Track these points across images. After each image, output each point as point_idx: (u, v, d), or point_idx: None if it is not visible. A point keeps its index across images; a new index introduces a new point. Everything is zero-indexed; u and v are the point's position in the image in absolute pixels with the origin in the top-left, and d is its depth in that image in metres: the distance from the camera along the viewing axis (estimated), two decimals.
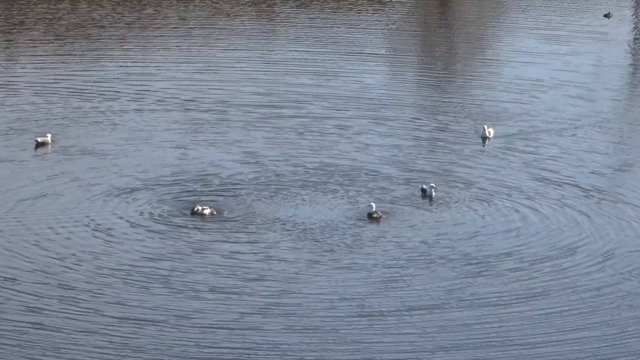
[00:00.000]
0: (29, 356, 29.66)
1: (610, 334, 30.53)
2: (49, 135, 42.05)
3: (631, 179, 41.42)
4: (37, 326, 30.93)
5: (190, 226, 37.71)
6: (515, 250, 36.57)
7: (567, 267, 35.28)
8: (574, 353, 29.45)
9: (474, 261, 35.73)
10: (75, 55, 52.87)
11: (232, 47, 55.09)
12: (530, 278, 34.47)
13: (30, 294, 32.88)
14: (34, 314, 31.75)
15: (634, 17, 58.19)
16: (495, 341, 30.73)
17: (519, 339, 30.73)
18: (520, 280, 34.57)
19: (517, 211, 39.03)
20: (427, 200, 39.06)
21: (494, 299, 33.42)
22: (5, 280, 33.91)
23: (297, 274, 35.11)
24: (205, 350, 29.78)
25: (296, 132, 44.84)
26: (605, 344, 29.95)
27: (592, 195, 39.99)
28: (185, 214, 38.34)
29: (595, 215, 38.55)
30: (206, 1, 60.72)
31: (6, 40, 55.82)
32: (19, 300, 32.81)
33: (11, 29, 56.45)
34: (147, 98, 47.72)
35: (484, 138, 42.47)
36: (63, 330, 30.96)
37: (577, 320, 31.61)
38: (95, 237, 37.44)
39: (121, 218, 38.25)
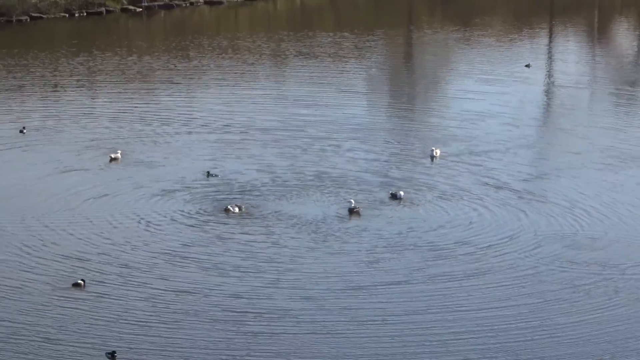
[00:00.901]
0: (96, 313, 28.58)
1: (538, 301, 29.75)
2: (119, 152, 40.71)
3: (551, 184, 40.13)
4: (102, 295, 29.89)
5: (220, 220, 36.06)
6: (468, 239, 34.96)
7: (507, 252, 33.73)
8: (510, 315, 28.66)
9: (435, 247, 34.28)
10: (139, 92, 51.56)
11: (254, 87, 53.72)
12: (478, 260, 33.10)
13: (95, 271, 31.52)
14: (99, 285, 30.63)
15: (547, 66, 55.52)
16: (450, 307, 29.75)
17: (468, 305, 29.71)
18: (471, 262, 33.06)
19: (467, 209, 37.47)
20: (396, 201, 37.40)
21: (451, 276, 32.08)
22: (75, 260, 32.43)
23: (298, 256, 33.56)
24: (229, 313, 29.01)
25: (300, 149, 43.30)
26: (533, 309, 29.14)
27: (523, 197, 38.65)
28: (218, 210, 36.82)
29: (527, 211, 37.14)
30: (236, 54, 57.52)
31: (88, 82, 51.93)
32: (87, 276, 31.22)
33: (92, 74, 53.65)
34: (191, 124, 46.54)
35: (432, 157, 41.16)
36: (122, 298, 29.83)
37: (514, 290, 30.63)
38: (147, 227, 35.85)
39: (168, 213, 36.61)
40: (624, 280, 31.41)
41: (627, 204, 37.71)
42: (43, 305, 29.36)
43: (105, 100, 49.89)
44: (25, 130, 43.85)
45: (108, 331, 27.35)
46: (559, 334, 27.40)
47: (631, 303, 29.68)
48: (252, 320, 28.61)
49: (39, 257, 32.80)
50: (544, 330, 27.83)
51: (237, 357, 26.28)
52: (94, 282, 30.56)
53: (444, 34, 65.33)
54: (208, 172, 39.32)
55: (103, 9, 63.32)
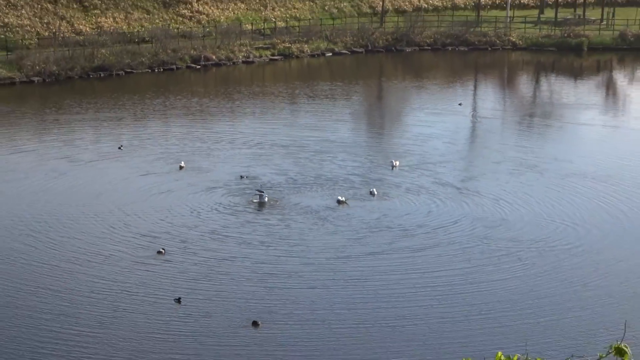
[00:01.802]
0: (168, 272, 28.07)
1: (469, 265, 28.98)
2: (183, 162, 39.37)
3: (480, 184, 38.51)
4: (170, 260, 29.16)
5: (249, 210, 34.62)
6: (425, 222, 33.64)
7: (452, 232, 32.50)
8: (451, 274, 28.14)
9: (402, 228, 32.91)
10: (197, 122, 51.06)
11: (275, 118, 52.70)
12: (432, 237, 32.01)
13: (165, 244, 30.22)
14: (169, 254, 29.47)
15: (473, 104, 54.36)
16: (411, 269, 29.16)
17: (424, 268, 28.92)
18: (427, 238, 31.94)
19: (424, 201, 36.00)
20: (373, 197, 35.94)
21: (412, 248, 31.01)
22: (150, 237, 31.27)
23: (303, 234, 32.34)
24: (255, 274, 28.28)
25: (306, 159, 41.71)
26: (467, 271, 28.49)
27: (463, 193, 37.33)
28: (250, 202, 35.28)
29: (466, 203, 35.69)
30: (263, 97, 56.55)
31: (164, 115, 51.76)
32: (149, 248, 30.26)
33: (166, 110, 54.35)
34: (232, 143, 45.07)
35: (392, 166, 39.61)
36: (183, 263, 28.94)
37: (454, 258, 29.66)
38: (199, 213, 34.40)
39: (212, 204, 35.07)
40: (530, 251, 30.37)
41: (532, 197, 36.20)
42: (128, 269, 28.70)
43: (175, 127, 48.29)
44: (122, 147, 42.55)
45: (176, 284, 27.11)
46: (483, 286, 27.23)
47: (532, 265, 29.00)
48: (271, 278, 28.10)
49: (125, 234, 31.69)
50: (471, 284, 27.52)
51: (260, 302, 25.80)
52: (151, 255, 29.60)
53: (403, 82, 63.96)
54: (241, 176, 38.06)
55: (174, 66, 61.66)
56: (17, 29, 61.73)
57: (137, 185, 37.24)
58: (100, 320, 24.63)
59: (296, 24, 70.16)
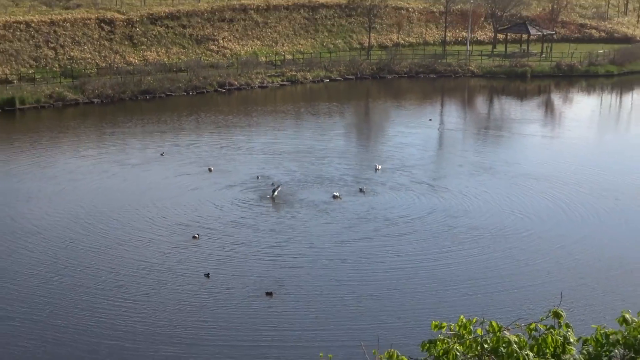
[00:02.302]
0: (197, 252, 27.45)
1: (437, 249, 28.65)
2: (211, 166, 38.81)
3: (448, 182, 37.98)
4: (198, 243, 28.61)
5: (262, 203, 33.94)
6: (405, 213, 33.09)
7: (427, 221, 32.11)
8: (422, 254, 27.81)
9: (386, 218, 32.44)
10: (222, 134, 50.60)
11: (284, 130, 52.44)
12: (410, 225, 31.64)
13: (196, 230, 29.78)
14: (193, 244, 29.04)
15: (440, 119, 54.31)
16: (392, 250, 28.86)
17: (403, 250, 28.61)
18: (407, 226, 31.52)
19: (404, 197, 35.42)
20: (362, 193, 35.24)
21: (394, 235, 30.68)
22: (182, 225, 30.68)
23: (305, 222, 31.85)
24: (267, 255, 27.71)
25: (308, 163, 41.02)
26: (435, 252, 28.30)
27: (435, 189, 36.95)
28: (264, 197, 34.43)
29: (439, 197, 35.33)
30: (275, 114, 56.73)
31: (195, 128, 52.12)
32: (183, 234, 29.83)
33: (197, 124, 53.73)
34: (250, 150, 44.49)
35: (375, 169, 38.83)
36: (210, 246, 28.48)
37: (427, 243, 29.46)
38: (222, 206, 33.68)
39: (233, 199, 34.43)
40: (486, 236, 29.87)
41: (488, 193, 35.62)
42: (167, 250, 28.15)
43: (205, 138, 47.34)
44: (164, 154, 41.75)
45: (205, 262, 26.73)
46: (448, 265, 26.97)
47: (487, 248, 28.65)
48: (280, 258, 27.65)
49: (163, 223, 31.13)
50: (440, 263, 27.27)
51: (272, 277, 25.34)
52: (181, 241, 29.11)
53: (385, 103, 63.39)
54: (257, 176, 37.33)
55: (204, 90, 61.17)
56: (81, 61, 61.41)
57: (173, 183, 36.60)
58: (146, 292, 24.45)
59: (300, 56, 69.81)
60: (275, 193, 33.98)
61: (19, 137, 47.01)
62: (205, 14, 70.66)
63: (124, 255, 27.51)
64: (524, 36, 77.39)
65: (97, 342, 21.37)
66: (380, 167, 39.61)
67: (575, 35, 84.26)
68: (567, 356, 6.03)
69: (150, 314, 22.95)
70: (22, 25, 61.12)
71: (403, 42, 77.98)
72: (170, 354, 20.86)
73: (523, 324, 6.14)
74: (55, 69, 59.50)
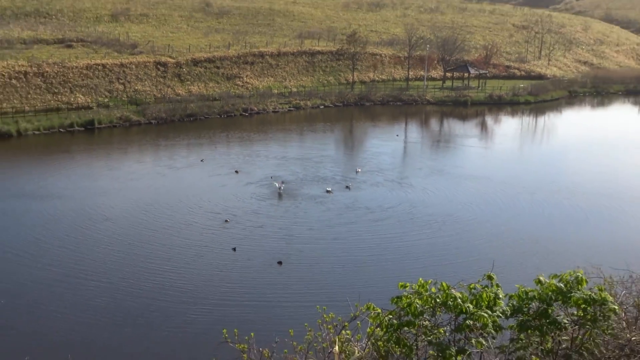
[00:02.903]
0: (226, 232, 26.63)
1: (402, 231, 27.99)
2: (237, 169, 38.15)
3: (412, 181, 37.27)
4: (224, 227, 27.91)
5: (273, 197, 33.23)
6: (383, 204, 32.58)
7: (398, 210, 31.60)
8: (394, 236, 26.83)
9: (368, 208, 31.74)
10: (245, 144, 48.77)
11: (291, 143, 51.19)
12: (387, 213, 31.02)
13: (225, 217, 29.30)
14: (223, 227, 28.49)
15: (404, 135, 54.00)
16: (373, 232, 27.93)
17: (380, 232, 27.86)
18: (384, 214, 31.00)
19: (382, 192, 35.07)
20: (348, 189, 34.77)
21: (374, 220, 30.23)
22: (214, 213, 29.99)
23: (305, 211, 31.13)
24: (279, 236, 27.06)
25: (309, 166, 40.30)
26: (403, 234, 27.63)
27: (403, 186, 36.42)
28: (273, 192, 33.66)
29: (405, 192, 34.82)
30: (284, 132, 55.79)
31: (226, 141, 51.48)
32: (215, 219, 29.19)
33: (229, 138, 53.01)
34: (266, 157, 42.62)
35: (356, 171, 38.22)
36: (233, 229, 27.64)
37: (398, 227, 28.68)
38: (243, 200, 33.10)
39: (251, 193, 33.80)
40: (440, 221, 29.45)
41: (440, 189, 35.02)
42: (203, 231, 27.55)
43: (234, 148, 46.32)
44: (203, 160, 41.07)
45: (231, 240, 26.01)
46: (410, 242, 26.32)
47: (439, 230, 28.19)
48: (287, 237, 27.03)
49: (200, 211, 30.59)
50: (404, 241, 26.64)
51: (282, 251, 24.59)
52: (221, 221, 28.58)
53: (365, 123, 62.72)
54: (271, 177, 36.58)
55: (233, 114, 61.16)
56: (142, 92, 60.93)
57: (208, 182, 36.09)
58: (188, 262, 24.12)
59: (303, 89, 69.48)
60: (281, 189, 33.37)
61: (96, 148, 46.70)
62: (234, 58, 70.25)
63: (172, 234, 27.22)
64: (465, 74, 77.02)
65: (151, 299, 21.17)
66: (360, 169, 39.05)
67: (503, 74, 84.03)
68: (497, 307, 6.10)
69: (190, 278, 22.67)
70: (99, 66, 60.93)
71: (377, 78, 77.65)
72: (206, 308, 20.64)
73: (465, 284, 6.19)
74: (123, 98, 59.17)
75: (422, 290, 6.12)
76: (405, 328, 5.95)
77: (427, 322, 6.01)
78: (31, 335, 18.76)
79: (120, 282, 22.24)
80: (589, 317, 6.09)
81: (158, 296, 21.18)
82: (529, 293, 6.28)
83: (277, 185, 33.73)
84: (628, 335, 6.29)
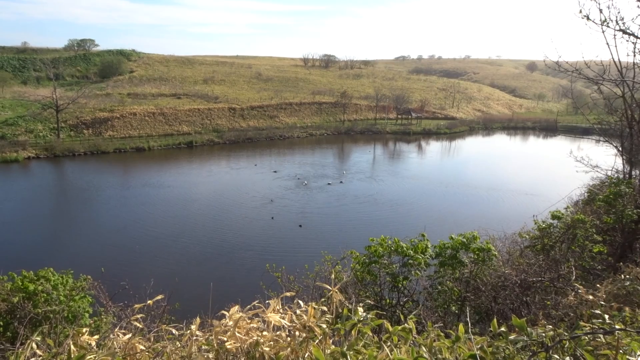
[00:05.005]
0: (259, 211, 25.56)
1: (371, 210, 26.24)
2: (275, 170, 36.99)
3: (386, 180, 35.91)
4: (267, 205, 26.69)
5: (295, 188, 32.39)
6: (365, 194, 31.02)
7: (377, 199, 29.94)
8: (376, 220, 25.22)
9: (355, 196, 29.88)
10: (272, 154, 46.42)
11: (297, 153, 47.96)
12: (368, 201, 29.29)
13: (267, 199, 28.28)
14: (267, 206, 27.19)
15: (374, 151, 51.26)
16: (359, 215, 26.37)
17: (363, 214, 25.75)
18: (367, 201, 29.18)
19: (364, 186, 33.68)
20: (342, 183, 33.67)
21: (357, 202, 28.84)
22: (256, 197, 28.95)
23: (314, 196, 29.91)
24: (292, 220, 25.35)
25: (318, 168, 38.91)
26: (376, 220, 25.93)
27: (376, 181, 35.24)
28: (297, 185, 32.98)
29: (375, 185, 33.38)
30: (301, 148, 52.49)
31: (258, 155, 48.08)
32: (261, 200, 28.26)
33: (259, 153, 48.13)
34: (293, 162, 41.56)
35: (342, 174, 36.36)
36: (260, 211, 26.45)
37: (367, 207, 27.29)
38: (276, 190, 31.99)
39: (279, 185, 32.60)
40: (396, 204, 28.19)
41: (396, 184, 34.03)
42: (253, 209, 26.35)
43: (275, 157, 44.83)
44: (256, 165, 39.31)
45: (269, 213, 24.87)
46: (375, 219, 24.79)
47: (390, 210, 26.68)
48: (303, 212, 25.82)
49: (249, 197, 29.56)
50: (373, 218, 25.10)
51: (301, 219, 23.65)
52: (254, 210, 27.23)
53: (350, 144, 60.77)
54: (296, 175, 35.69)
55: (273, 138, 59.47)
56: (221, 124, 60.53)
57: (255, 178, 35.09)
58: (241, 226, 23.35)
59: (314, 124, 68.88)
60: (305, 183, 32.41)
61: (194, 159, 45.93)
62: (274, 106, 69.54)
63: (232, 211, 26.46)
64: (409, 116, 76.07)
65: (211, 253, 20.53)
66: (345, 172, 38.18)
67: (431, 116, 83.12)
68: (427, 253, 6.41)
69: (242, 237, 22.07)
70: (196, 110, 60.39)
71: (358, 118, 76.73)
72: (249, 256, 20.09)
73: (408, 239, 6.45)
74: (209, 128, 58.87)
75: (383, 242, 6.40)
76: (373, 265, 6.25)
77: (386, 261, 6.29)
78: (149, 266, 18.33)
79: (204, 237, 21.93)
80: (480, 259, 6.42)
81: (217, 253, 20.67)
82: (445, 244, 6.64)
83: (304, 182, 32.89)
84: (503, 270, 6.63)
